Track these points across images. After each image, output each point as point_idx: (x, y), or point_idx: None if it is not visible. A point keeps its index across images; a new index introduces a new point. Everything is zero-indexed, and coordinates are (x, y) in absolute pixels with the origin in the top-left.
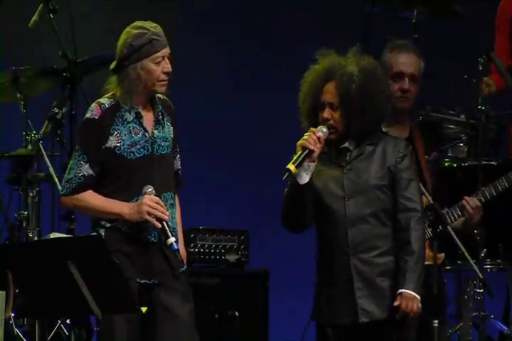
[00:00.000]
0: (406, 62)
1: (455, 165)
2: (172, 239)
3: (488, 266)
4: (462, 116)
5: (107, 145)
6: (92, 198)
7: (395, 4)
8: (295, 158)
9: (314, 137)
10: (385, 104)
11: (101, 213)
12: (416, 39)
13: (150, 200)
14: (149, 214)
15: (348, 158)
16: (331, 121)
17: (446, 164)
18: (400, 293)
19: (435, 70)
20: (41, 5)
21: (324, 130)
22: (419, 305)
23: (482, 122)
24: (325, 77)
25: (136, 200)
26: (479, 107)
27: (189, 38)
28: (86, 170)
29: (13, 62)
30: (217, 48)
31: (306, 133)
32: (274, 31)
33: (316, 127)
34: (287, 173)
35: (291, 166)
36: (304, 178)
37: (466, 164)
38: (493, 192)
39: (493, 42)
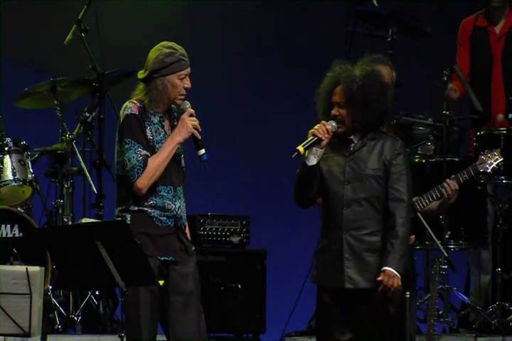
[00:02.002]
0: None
1: (424, 160)
2: (203, 151)
3: (452, 246)
4: (429, 119)
5: (146, 135)
6: (152, 160)
7: (373, 25)
8: (305, 142)
9: (324, 128)
10: (384, 104)
11: (168, 158)
12: (391, 54)
13: (189, 117)
14: (194, 127)
15: (351, 149)
16: (339, 117)
17: (417, 160)
18: (384, 270)
19: (406, 80)
20: (74, 26)
21: (333, 124)
22: (400, 282)
23: (446, 125)
24: (334, 81)
25: (158, 190)
26: (444, 112)
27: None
28: (145, 153)
29: (51, 74)
30: (222, 58)
31: (318, 124)
32: (274, 50)
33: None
34: (296, 153)
35: (300, 147)
36: (312, 161)
37: (433, 160)
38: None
39: (454, 57)
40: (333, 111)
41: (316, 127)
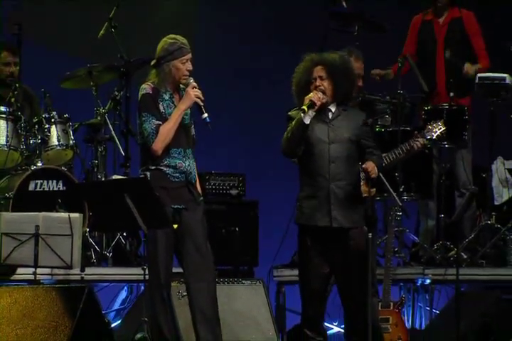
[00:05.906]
0: (360, 67)
1: (383, 129)
2: (206, 114)
3: (405, 197)
4: (387, 97)
5: (159, 109)
6: (163, 127)
7: (343, 22)
8: (306, 104)
9: (317, 96)
10: (354, 81)
11: (176, 124)
12: (357, 45)
13: (192, 89)
14: (196, 97)
15: (330, 116)
16: (321, 87)
17: (377, 129)
18: (367, 162)
19: (369, 66)
20: (106, 23)
21: (321, 93)
22: (377, 172)
23: (400, 101)
24: (314, 63)
25: (170, 152)
26: (398, 91)
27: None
28: (157, 123)
29: (88, 61)
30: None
31: (311, 94)
32: (264, 39)
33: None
34: (302, 113)
35: (305, 108)
36: (307, 120)
37: (390, 129)
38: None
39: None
40: (316, 83)
41: (311, 94)
